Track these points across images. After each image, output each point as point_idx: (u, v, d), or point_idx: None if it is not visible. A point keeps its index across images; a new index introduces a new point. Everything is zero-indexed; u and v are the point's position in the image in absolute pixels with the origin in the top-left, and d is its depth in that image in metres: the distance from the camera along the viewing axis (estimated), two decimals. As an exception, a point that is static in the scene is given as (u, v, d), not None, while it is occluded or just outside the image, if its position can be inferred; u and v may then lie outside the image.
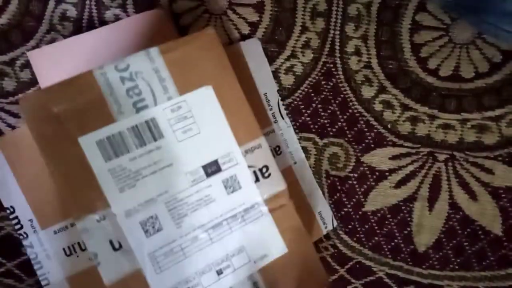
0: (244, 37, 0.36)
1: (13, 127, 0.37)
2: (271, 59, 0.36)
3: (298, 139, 0.37)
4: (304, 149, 0.37)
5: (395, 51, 0.36)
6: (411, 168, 0.37)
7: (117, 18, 0.36)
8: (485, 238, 0.37)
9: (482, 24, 0.30)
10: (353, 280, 0.39)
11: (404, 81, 0.36)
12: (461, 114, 0.36)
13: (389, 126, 0.37)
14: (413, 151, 0.37)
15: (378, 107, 0.37)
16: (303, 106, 0.37)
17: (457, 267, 0.38)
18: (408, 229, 0.38)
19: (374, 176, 0.37)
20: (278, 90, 0.37)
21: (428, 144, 0.37)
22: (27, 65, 0.36)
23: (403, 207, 0.37)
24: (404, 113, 0.36)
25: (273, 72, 0.37)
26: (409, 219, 0.37)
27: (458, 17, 0.33)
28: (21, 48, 0.36)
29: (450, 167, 0.37)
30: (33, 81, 0.37)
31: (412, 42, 0.35)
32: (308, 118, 0.37)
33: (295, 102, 0.37)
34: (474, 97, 0.36)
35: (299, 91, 0.37)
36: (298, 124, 0.37)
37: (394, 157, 0.37)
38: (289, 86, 0.37)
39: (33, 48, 0.36)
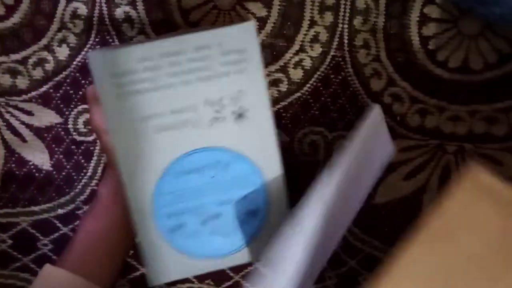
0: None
1: (26, 124, 0.39)
2: (279, 54, 0.37)
3: (307, 132, 0.38)
4: (313, 142, 0.38)
5: (403, 44, 0.36)
6: (420, 160, 0.38)
7: (127, 15, 0.36)
8: None
9: (491, 16, 0.30)
10: (362, 271, 0.40)
11: (413, 74, 0.37)
12: (470, 105, 0.36)
13: (398, 118, 0.37)
14: (422, 143, 0.37)
15: (387, 100, 0.37)
16: (312, 100, 0.38)
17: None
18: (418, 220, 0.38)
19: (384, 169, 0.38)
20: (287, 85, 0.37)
21: (438, 136, 0.37)
22: (39, 63, 0.38)
23: (412, 199, 0.38)
24: (413, 105, 0.37)
25: (282, 66, 0.37)
26: (418, 210, 0.38)
27: (467, 9, 0.33)
28: (33, 47, 0.38)
29: (459, 159, 0.37)
30: (45, 79, 0.38)
31: (420, 35, 0.36)
32: (317, 112, 0.38)
33: (304, 96, 0.38)
34: (483, 89, 0.36)
35: (308, 85, 0.37)
36: (307, 117, 0.38)
37: (403, 149, 0.37)
38: (298, 80, 0.37)
39: (45, 47, 0.37)
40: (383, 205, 0.38)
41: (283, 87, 0.38)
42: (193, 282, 0.41)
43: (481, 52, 0.35)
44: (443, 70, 0.36)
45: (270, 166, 0.32)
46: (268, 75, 0.37)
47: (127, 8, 0.36)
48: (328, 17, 0.36)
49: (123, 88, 0.30)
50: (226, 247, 0.33)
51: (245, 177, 0.32)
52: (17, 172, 0.40)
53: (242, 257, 0.33)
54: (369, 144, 0.31)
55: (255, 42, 0.30)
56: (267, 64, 0.37)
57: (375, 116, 0.31)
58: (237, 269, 0.41)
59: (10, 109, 0.39)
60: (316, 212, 0.28)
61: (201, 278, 0.41)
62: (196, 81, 0.30)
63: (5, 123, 0.39)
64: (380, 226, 0.39)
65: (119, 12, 0.37)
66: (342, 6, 0.36)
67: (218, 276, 0.41)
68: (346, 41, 0.37)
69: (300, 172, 0.38)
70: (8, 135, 0.39)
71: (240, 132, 0.31)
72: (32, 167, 0.40)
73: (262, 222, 0.33)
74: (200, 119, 0.31)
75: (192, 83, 0.30)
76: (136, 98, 0.30)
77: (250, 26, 0.30)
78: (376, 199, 0.38)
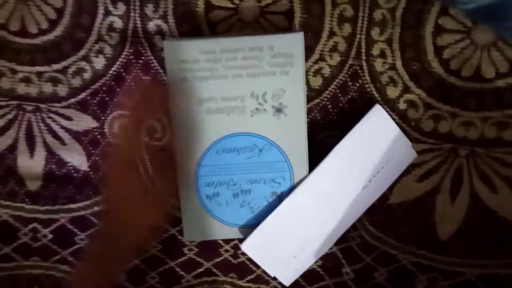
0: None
1: (65, 129, 0.41)
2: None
3: (326, 136, 0.40)
4: (331, 146, 0.40)
5: (418, 53, 0.38)
6: (433, 163, 0.39)
7: (158, 28, 0.39)
8: (505, 227, 0.39)
9: (503, 30, 0.32)
10: (378, 268, 0.41)
11: (427, 82, 0.38)
12: (482, 112, 0.38)
13: (412, 123, 0.39)
14: (436, 147, 0.39)
15: (402, 106, 0.39)
16: (330, 106, 0.40)
17: (477, 255, 0.40)
18: (431, 219, 0.40)
19: (399, 171, 0.40)
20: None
21: (450, 140, 0.39)
22: (77, 72, 0.40)
23: (426, 199, 0.40)
24: (427, 111, 0.39)
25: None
26: (431, 210, 0.40)
27: (479, 22, 0.35)
28: (72, 57, 0.40)
29: (471, 162, 0.39)
30: (83, 87, 0.40)
31: (435, 45, 0.37)
32: (335, 117, 0.40)
33: (323, 102, 0.39)
34: (495, 96, 0.37)
35: (327, 92, 0.39)
36: (325, 122, 0.40)
37: (417, 153, 0.39)
38: (318, 87, 0.39)
39: (84, 57, 0.40)
40: (398, 205, 0.40)
41: (304, 94, 0.40)
42: (218, 275, 0.44)
43: (493, 61, 0.37)
44: (456, 79, 0.38)
45: (298, 157, 0.37)
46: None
47: (159, 22, 0.39)
48: (347, 28, 0.38)
49: (187, 73, 0.35)
50: (251, 220, 0.38)
51: (275, 163, 0.37)
52: (57, 173, 0.42)
53: None
54: (373, 139, 0.36)
55: (301, 50, 0.35)
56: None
57: (375, 113, 0.36)
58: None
59: (51, 115, 0.41)
60: (303, 190, 0.36)
61: (225, 272, 0.43)
62: (246, 76, 0.35)
63: (46, 127, 0.41)
64: (395, 225, 0.40)
65: (151, 25, 0.39)
66: (360, 17, 0.38)
67: (241, 269, 0.43)
68: (363, 51, 0.38)
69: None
70: (49, 138, 0.41)
71: (277, 124, 0.36)
72: (70, 168, 0.42)
73: None
74: (245, 108, 0.36)
75: (242, 77, 0.35)
76: (196, 83, 0.35)
77: (299, 36, 0.35)
78: (391, 199, 0.40)
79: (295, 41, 0.35)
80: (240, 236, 0.39)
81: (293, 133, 0.36)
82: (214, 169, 0.37)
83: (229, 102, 0.36)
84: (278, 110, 0.36)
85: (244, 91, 0.36)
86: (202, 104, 0.36)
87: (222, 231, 0.38)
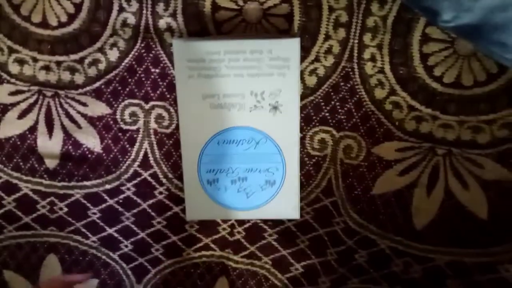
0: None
1: (81, 114, 0.45)
2: (297, 62, 0.42)
3: (318, 131, 0.43)
4: (323, 140, 0.43)
5: (406, 59, 0.40)
6: (414, 159, 0.42)
7: (168, 25, 0.42)
8: (473, 221, 0.42)
9: (479, 47, 0.34)
10: (359, 250, 0.45)
11: (412, 86, 0.41)
12: (460, 116, 0.40)
13: (397, 123, 0.42)
14: (416, 145, 0.42)
15: (388, 107, 0.41)
16: (323, 103, 0.42)
17: (448, 244, 0.44)
18: (408, 210, 0.44)
19: (382, 165, 0.43)
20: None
21: (430, 140, 0.41)
22: (93, 63, 0.43)
23: (405, 192, 0.43)
24: (411, 113, 0.41)
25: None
26: (409, 202, 0.43)
27: (459, 38, 0.38)
28: (89, 49, 0.43)
29: (447, 161, 0.42)
30: (98, 77, 0.44)
31: (421, 52, 0.40)
32: (327, 114, 0.43)
33: (317, 100, 0.42)
34: (472, 103, 0.40)
35: (321, 90, 0.42)
36: (318, 118, 0.43)
37: (399, 150, 0.42)
38: (312, 86, 0.42)
39: (99, 49, 0.43)
40: (379, 196, 0.43)
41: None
42: (215, 250, 0.48)
43: (472, 70, 0.39)
44: (438, 84, 0.40)
45: (290, 150, 0.41)
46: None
47: (169, 20, 0.41)
48: (341, 32, 0.40)
49: (194, 71, 0.39)
50: (246, 204, 0.42)
51: (270, 154, 0.41)
52: (73, 153, 0.45)
53: (256, 214, 0.42)
54: None
55: (297, 54, 0.38)
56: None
57: None
58: (252, 240, 0.47)
59: (69, 101, 0.44)
60: None
61: (222, 247, 0.48)
62: (246, 76, 0.39)
63: (64, 112, 0.44)
64: (376, 213, 0.44)
65: (161, 22, 0.42)
66: (354, 23, 0.40)
67: (236, 245, 0.47)
68: (355, 54, 0.41)
69: (308, 163, 0.44)
70: (66, 122, 0.44)
71: (273, 120, 0.40)
72: (85, 149, 0.45)
73: (277, 192, 0.42)
74: (244, 104, 0.40)
75: (243, 76, 0.39)
76: (201, 80, 0.39)
77: (295, 41, 0.38)
78: (373, 190, 0.43)
79: (292, 46, 0.38)
80: (236, 218, 0.43)
81: (287, 129, 0.40)
82: (215, 158, 0.41)
83: (230, 99, 0.39)
84: (274, 107, 0.39)
85: (244, 89, 0.39)
86: (206, 99, 0.40)
87: (220, 213, 0.43)
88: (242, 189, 0.42)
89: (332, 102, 0.42)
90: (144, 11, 0.41)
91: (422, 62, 0.40)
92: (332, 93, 0.42)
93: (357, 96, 0.42)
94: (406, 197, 0.43)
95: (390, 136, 0.42)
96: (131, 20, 0.42)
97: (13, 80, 0.44)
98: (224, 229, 0.47)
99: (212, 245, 0.48)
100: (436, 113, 0.41)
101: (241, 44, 0.38)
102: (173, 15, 0.41)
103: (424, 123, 0.41)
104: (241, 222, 0.47)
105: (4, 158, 0.46)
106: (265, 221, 0.46)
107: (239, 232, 0.47)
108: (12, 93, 0.45)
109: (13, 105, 0.45)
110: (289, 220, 0.46)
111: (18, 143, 0.46)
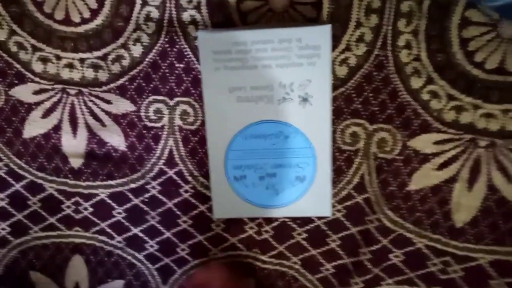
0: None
1: (105, 111, 0.44)
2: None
3: (349, 124, 0.42)
4: (355, 133, 0.42)
5: (443, 45, 0.38)
6: (453, 152, 0.40)
7: (192, 18, 0.41)
8: None
9: None
10: (394, 249, 0.44)
11: (451, 73, 0.39)
12: (504, 104, 0.38)
13: (435, 114, 0.40)
14: (456, 137, 0.40)
15: (425, 96, 0.40)
16: (355, 95, 0.41)
17: (491, 242, 0.41)
18: (448, 207, 0.42)
19: (419, 159, 0.41)
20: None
21: (471, 131, 0.39)
22: (117, 59, 0.43)
23: (444, 187, 0.41)
24: (450, 102, 0.39)
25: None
26: (448, 198, 0.41)
27: (506, 18, 0.35)
28: (112, 45, 0.42)
29: (490, 153, 0.40)
30: (122, 73, 0.43)
31: (460, 37, 0.38)
32: (359, 106, 0.41)
33: (348, 91, 0.41)
34: None
35: (352, 81, 0.40)
36: (350, 110, 0.41)
37: (437, 142, 0.40)
38: (343, 76, 0.40)
39: (122, 45, 0.42)
40: (416, 191, 0.42)
41: (329, 83, 0.41)
42: (242, 250, 0.47)
43: None
44: (479, 71, 0.38)
45: (322, 144, 0.39)
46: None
47: (193, 12, 0.40)
48: (374, 19, 0.39)
49: (220, 63, 0.37)
50: (275, 201, 0.40)
51: (300, 149, 0.39)
52: (97, 152, 0.45)
53: (286, 212, 0.40)
54: None
55: (328, 42, 0.36)
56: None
57: None
58: (281, 240, 0.45)
59: (93, 98, 0.44)
60: None
61: (249, 247, 0.46)
62: (275, 67, 0.37)
63: (88, 110, 0.44)
64: (412, 210, 0.42)
65: (185, 15, 0.41)
66: (387, 9, 0.39)
67: (264, 245, 0.46)
68: (389, 42, 0.39)
69: (339, 158, 0.43)
70: (90, 120, 0.44)
71: (303, 113, 0.38)
72: (110, 147, 0.44)
73: (307, 188, 0.39)
74: (272, 97, 0.38)
75: (271, 67, 0.37)
76: (228, 72, 0.37)
77: (326, 28, 0.36)
78: (409, 186, 0.42)
79: (322, 34, 0.36)
80: (265, 216, 0.42)
81: (317, 122, 0.38)
82: (242, 153, 0.39)
83: (257, 91, 0.38)
84: (304, 99, 0.38)
85: (272, 81, 0.38)
86: (233, 92, 0.38)
87: (248, 210, 0.41)
88: (270, 186, 0.40)
89: (365, 93, 0.41)
90: (168, 4, 0.41)
91: (461, 48, 0.38)
92: (364, 84, 0.40)
93: (392, 86, 0.40)
94: (445, 192, 0.41)
95: (428, 128, 0.40)
96: (155, 14, 0.41)
97: (36, 79, 0.44)
98: (251, 228, 0.45)
99: (239, 245, 0.46)
100: (478, 102, 0.39)
101: (269, 33, 0.37)
102: (197, 7, 0.40)
103: (465, 113, 0.39)
104: (268, 221, 0.45)
105: (29, 158, 0.46)
106: (294, 220, 0.45)
107: (266, 231, 0.45)
108: (36, 92, 0.44)
109: (37, 104, 0.45)
110: (319, 219, 0.44)
111: (43, 142, 0.45)
